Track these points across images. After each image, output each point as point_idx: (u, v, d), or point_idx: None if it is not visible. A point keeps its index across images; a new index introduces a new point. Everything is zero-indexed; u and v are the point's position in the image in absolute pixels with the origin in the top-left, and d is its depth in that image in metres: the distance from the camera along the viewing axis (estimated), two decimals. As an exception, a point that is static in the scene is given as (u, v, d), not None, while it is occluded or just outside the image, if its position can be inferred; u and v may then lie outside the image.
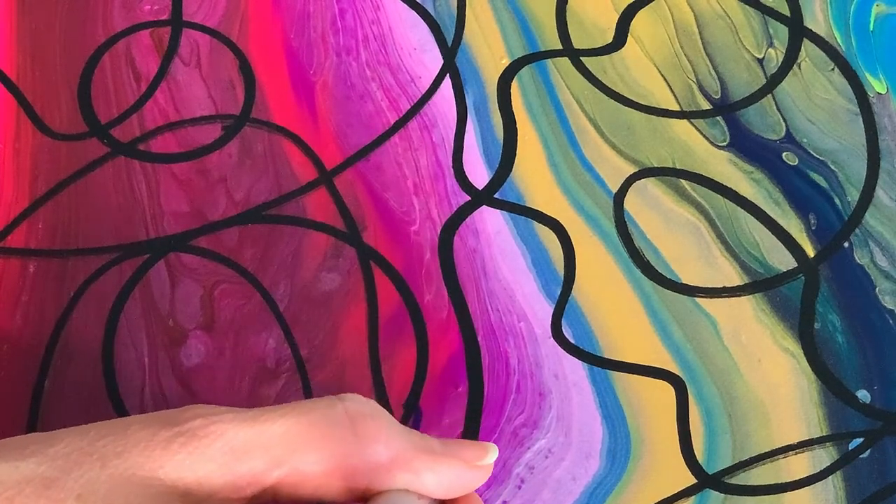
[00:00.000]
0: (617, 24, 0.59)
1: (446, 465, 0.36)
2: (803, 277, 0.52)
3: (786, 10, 0.59)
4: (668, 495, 0.47)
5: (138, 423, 0.34)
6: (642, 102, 0.56)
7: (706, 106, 0.56)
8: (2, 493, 0.31)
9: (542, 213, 0.53)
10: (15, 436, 0.47)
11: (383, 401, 0.49)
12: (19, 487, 0.31)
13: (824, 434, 0.49)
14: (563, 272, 0.52)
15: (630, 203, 0.54)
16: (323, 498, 0.36)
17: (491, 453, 0.38)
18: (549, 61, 0.57)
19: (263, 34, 0.58)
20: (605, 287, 0.51)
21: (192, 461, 0.33)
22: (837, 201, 0.54)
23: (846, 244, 0.53)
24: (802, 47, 0.58)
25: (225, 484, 0.33)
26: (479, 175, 0.54)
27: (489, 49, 0.58)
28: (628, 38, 0.58)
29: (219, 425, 0.33)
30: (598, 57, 0.58)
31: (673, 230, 0.53)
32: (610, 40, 0.58)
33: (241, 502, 0.34)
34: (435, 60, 0.57)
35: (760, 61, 0.58)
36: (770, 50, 0.58)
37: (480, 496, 0.46)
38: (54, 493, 0.31)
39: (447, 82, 0.57)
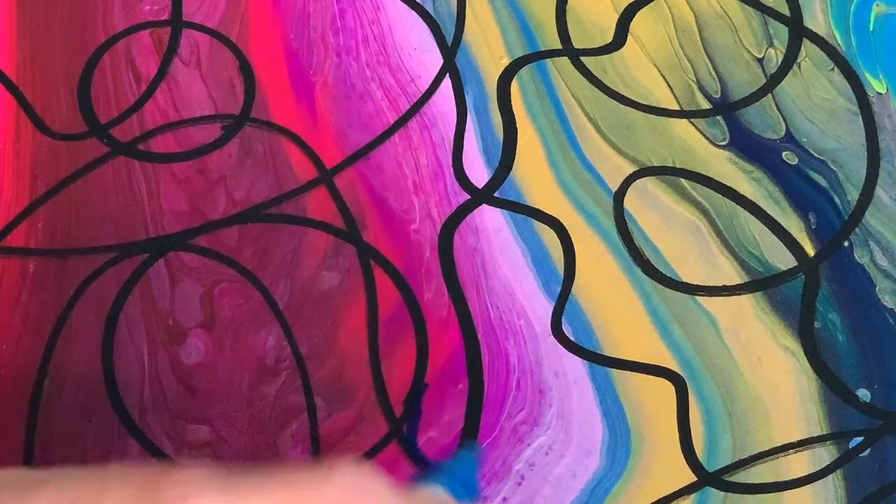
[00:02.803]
0: (617, 23, 0.59)
1: None
2: (803, 276, 0.52)
3: (786, 10, 0.59)
4: (669, 493, 0.47)
5: (117, 485, 0.30)
6: (642, 102, 0.56)
7: (706, 105, 0.56)
8: None
9: (542, 211, 0.53)
10: (13, 437, 0.47)
11: (383, 399, 0.49)
12: None
13: (824, 433, 0.49)
14: (562, 270, 0.52)
15: (630, 202, 0.54)
16: None
17: None
18: (548, 61, 0.57)
19: (263, 34, 0.58)
20: (604, 285, 0.51)
21: None
22: (837, 200, 0.54)
23: (846, 243, 0.53)
24: (802, 47, 0.58)
25: None
26: (479, 174, 0.54)
27: (489, 49, 0.58)
28: (628, 38, 0.58)
29: (196, 501, 0.30)
30: (598, 56, 0.58)
31: (673, 229, 0.53)
32: (610, 40, 0.58)
33: None
34: (435, 60, 0.57)
35: (760, 61, 0.58)
36: (770, 50, 0.58)
37: (480, 492, 0.47)
38: None
39: (447, 82, 0.57)
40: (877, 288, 0.52)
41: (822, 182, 0.54)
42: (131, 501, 0.30)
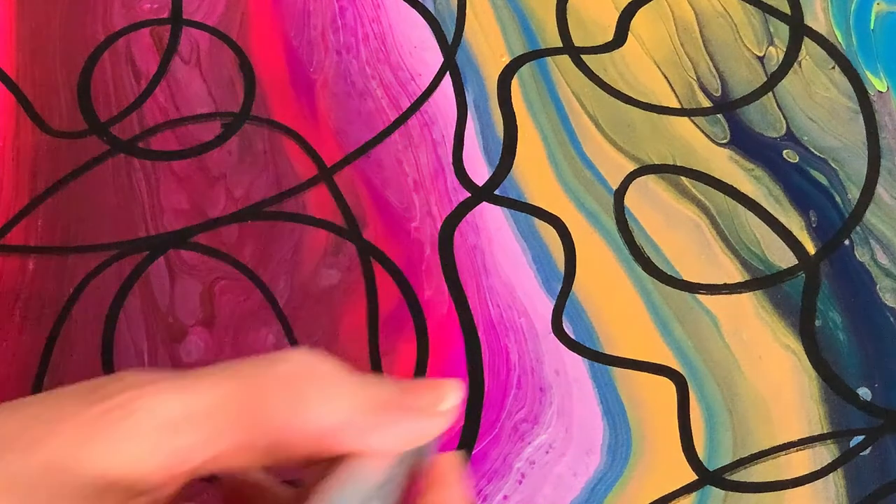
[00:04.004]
0: (617, 21, 0.59)
1: (402, 423, 0.32)
2: (804, 275, 0.52)
3: (786, 9, 0.59)
4: (669, 492, 0.47)
5: (67, 397, 0.30)
6: (643, 100, 0.56)
7: (707, 104, 0.56)
8: None
9: (542, 209, 0.53)
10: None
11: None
12: None
13: (825, 431, 0.48)
14: (563, 268, 0.52)
15: (631, 200, 0.53)
16: (268, 469, 0.33)
17: (448, 396, 0.33)
18: (549, 59, 0.57)
19: (263, 32, 0.58)
20: (605, 283, 0.51)
21: (119, 443, 0.29)
22: (838, 199, 0.54)
23: (847, 242, 0.53)
24: (803, 45, 0.58)
25: (156, 466, 0.30)
26: (480, 172, 0.54)
27: (489, 47, 0.58)
28: (629, 36, 0.58)
29: (148, 399, 0.30)
30: (599, 55, 0.58)
31: (674, 227, 0.53)
32: (610, 38, 0.58)
33: (174, 487, 0.31)
34: (435, 58, 0.57)
35: (761, 59, 0.58)
36: (770, 48, 0.58)
37: (481, 491, 0.47)
38: None
39: (447, 80, 0.57)
40: (878, 286, 0.52)
41: (823, 180, 0.54)
42: (79, 409, 0.30)
